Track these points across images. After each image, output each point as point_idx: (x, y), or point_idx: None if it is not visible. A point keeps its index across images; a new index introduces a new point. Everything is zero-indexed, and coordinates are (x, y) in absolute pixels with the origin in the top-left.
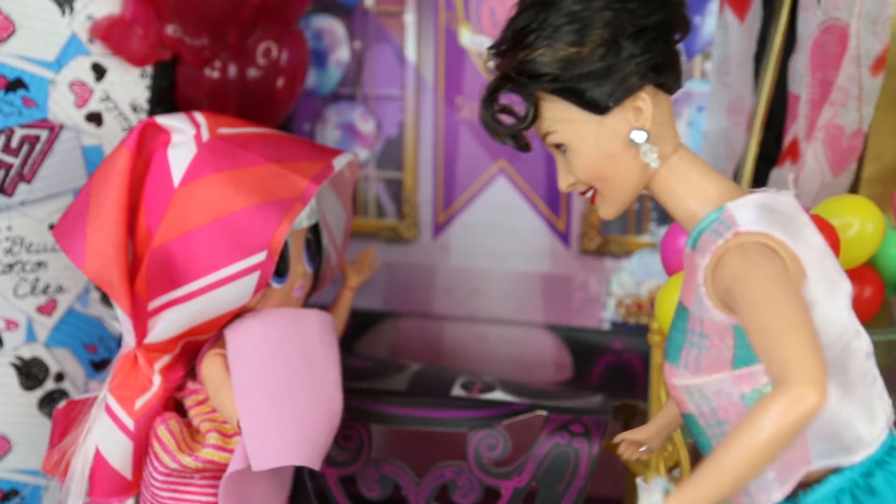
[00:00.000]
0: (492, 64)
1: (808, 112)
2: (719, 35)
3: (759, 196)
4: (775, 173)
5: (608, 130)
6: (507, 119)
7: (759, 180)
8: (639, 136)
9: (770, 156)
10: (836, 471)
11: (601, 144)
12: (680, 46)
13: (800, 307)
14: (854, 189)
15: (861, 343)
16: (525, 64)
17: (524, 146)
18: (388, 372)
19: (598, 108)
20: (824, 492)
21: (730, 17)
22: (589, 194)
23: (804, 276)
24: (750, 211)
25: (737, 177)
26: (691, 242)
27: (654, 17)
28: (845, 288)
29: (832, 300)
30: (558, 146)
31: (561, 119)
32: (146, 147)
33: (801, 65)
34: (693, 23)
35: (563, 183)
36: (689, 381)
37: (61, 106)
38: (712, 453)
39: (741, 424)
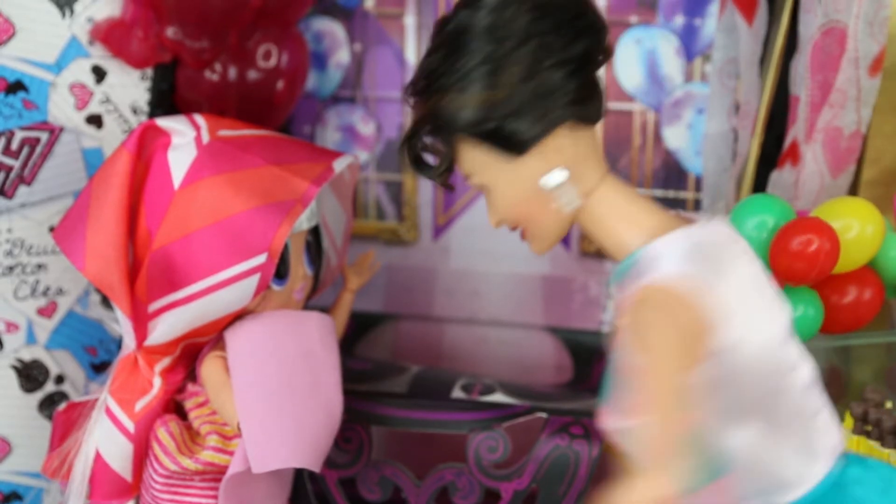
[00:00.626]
0: (410, 103)
1: (808, 114)
2: (721, 37)
3: (686, 233)
4: (775, 175)
5: (527, 172)
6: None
7: (760, 182)
8: (556, 178)
9: (770, 158)
10: None
11: (514, 188)
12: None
13: (674, 376)
14: (854, 191)
15: (798, 376)
16: (438, 109)
17: (449, 187)
18: (389, 374)
19: (515, 150)
20: None
21: (739, 20)
22: (519, 230)
23: (717, 322)
24: (670, 253)
25: (738, 179)
26: (617, 279)
27: (573, 50)
28: (783, 316)
29: (763, 332)
30: (481, 188)
31: (479, 162)
32: (146, 149)
33: (802, 67)
34: (693, 24)
35: (492, 221)
36: (619, 424)
37: (61, 108)
38: None
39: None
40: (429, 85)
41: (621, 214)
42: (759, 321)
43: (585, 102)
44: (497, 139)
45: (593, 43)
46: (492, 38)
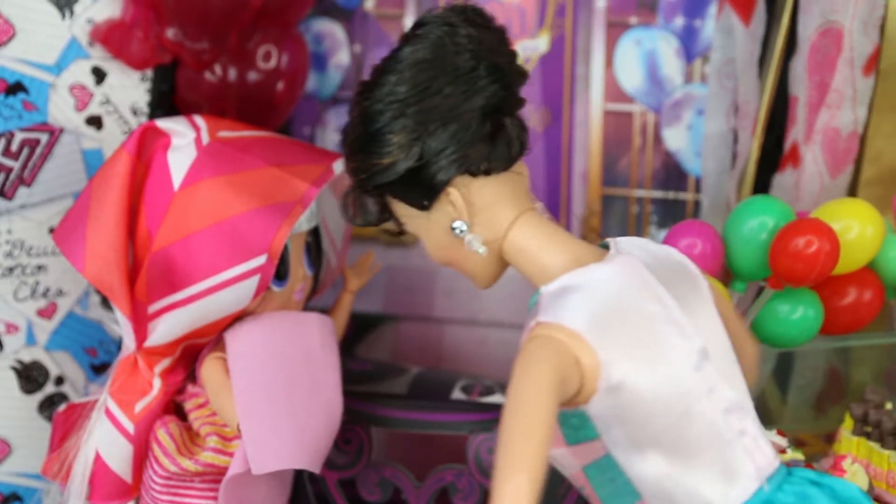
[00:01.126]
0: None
1: (807, 115)
2: (718, 38)
3: (585, 273)
4: (778, 178)
5: (435, 225)
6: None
7: (760, 184)
8: (458, 228)
9: (770, 159)
10: None
11: (434, 237)
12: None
13: (538, 422)
14: (853, 191)
15: (712, 403)
16: (351, 171)
17: (401, 233)
18: (389, 375)
19: (419, 207)
20: None
21: (735, 21)
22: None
23: (603, 363)
24: (566, 294)
25: (739, 181)
26: (528, 313)
27: (460, 109)
28: (692, 348)
29: (663, 366)
30: None
31: (402, 214)
32: (146, 150)
33: (800, 68)
34: (693, 26)
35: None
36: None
37: (61, 109)
38: None
39: None
40: (343, 149)
41: (533, 253)
42: (656, 357)
43: (473, 159)
44: (401, 198)
45: (480, 101)
46: (373, 111)
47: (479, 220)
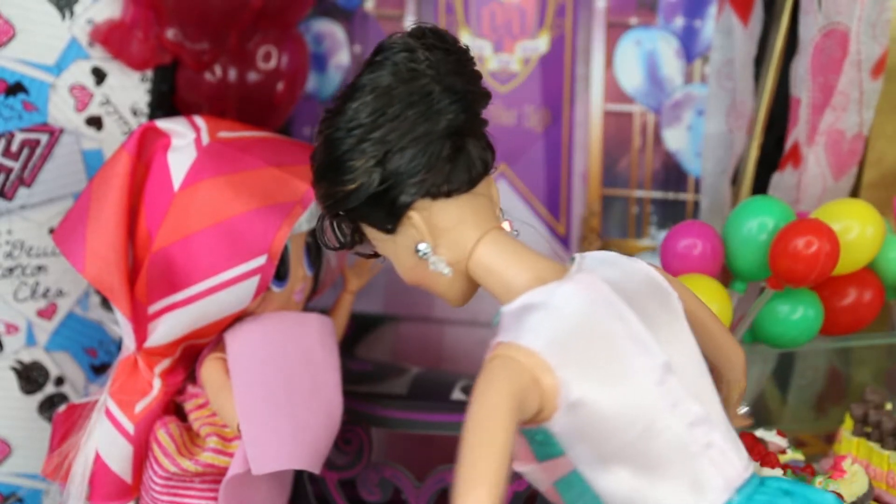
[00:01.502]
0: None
1: (810, 116)
2: (718, 38)
3: (547, 291)
4: (777, 177)
5: (401, 247)
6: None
7: (760, 184)
8: (421, 249)
9: (770, 159)
10: None
11: (402, 259)
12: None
13: (496, 440)
14: (855, 194)
15: (676, 417)
16: (319, 198)
17: (375, 255)
18: (389, 375)
19: (384, 231)
20: None
21: (734, 21)
22: None
23: (562, 383)
24: (516, 315)
25: (737, 181)
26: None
27: (418, 132)
28: (654, 363)
29: (624, 383)
30: None
31: (372, 237)
32: (146, 151)
33: (802, 69)
34: (693, 27)
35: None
36: (519, 468)
37: (61, 110)
38: None
39: None
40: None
41: (498, 271)
42: (616, 374)
43: (441, 179)
44: (366, 222)
45: (449, 121)
46: (335, 138)
47: (443, 241)
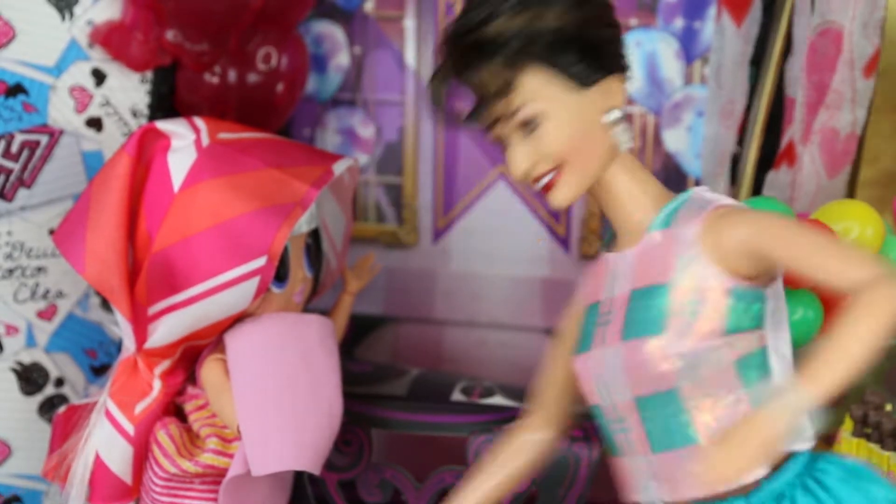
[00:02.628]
0: (466, 27)
1: (804, 115)
2: (717, 40)
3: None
4: (772, 176)
5: (589, 104)
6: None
7: (759, 185)
8: (615, 115)
9: (768, 159)
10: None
11: (580, 117)
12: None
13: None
14: (851, 192)
15: None
16: (523, 28)
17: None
18: (389, 377)
19: (585, 81)
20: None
21: (726, 22)
22: (544, 181)
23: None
24: (720, 195)
25: (734, 181)
26: (664, 223)
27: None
28: None
29: None
30: (527, 123)
31: (540, 90)
32: (146, 152)
33: (796, 68)
34: (692, 28)
35: (524, 164)
36: (683, 348)
37: (61, 111)
38: (833, 340)
39: (853, 315)
40: (517, 4)
41: (642, 177)
42: None
43: (627, 63)
44: (569, 66)
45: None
46: None
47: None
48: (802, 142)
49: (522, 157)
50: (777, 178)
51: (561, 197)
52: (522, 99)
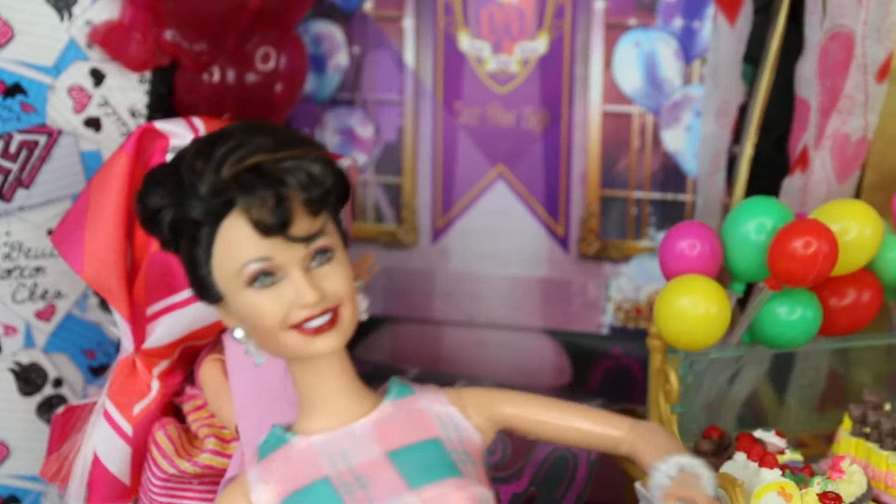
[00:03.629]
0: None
1: (818, 120)
2: (714, 40)
3: None
4: (787, 182)
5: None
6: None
7: (756, 185)
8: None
9: (768, 160)
10: None
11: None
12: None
13: None
14: (857, 196)
15: None
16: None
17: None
18: (387, 377)
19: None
20: None
21: (720, 21)
22: (319, 322)
23: None
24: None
25: (731, 181)
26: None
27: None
28: None
29: None
30: (324, 251)
31: (331, 231)
32: (145, 152)
33: (808, 70)
34: (691, 28)
35: (316, 292)
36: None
37: (60, 111)
38: None
39: None
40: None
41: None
42: None
43: None
44: (340, 222)
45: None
46: None
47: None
48: (815, 147)
49: (315, 290)
50: (791, 183)
51: (331, 343)
52: (320, 227)
